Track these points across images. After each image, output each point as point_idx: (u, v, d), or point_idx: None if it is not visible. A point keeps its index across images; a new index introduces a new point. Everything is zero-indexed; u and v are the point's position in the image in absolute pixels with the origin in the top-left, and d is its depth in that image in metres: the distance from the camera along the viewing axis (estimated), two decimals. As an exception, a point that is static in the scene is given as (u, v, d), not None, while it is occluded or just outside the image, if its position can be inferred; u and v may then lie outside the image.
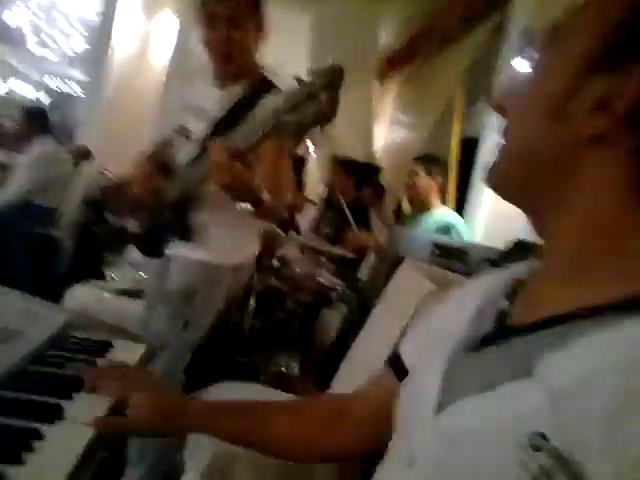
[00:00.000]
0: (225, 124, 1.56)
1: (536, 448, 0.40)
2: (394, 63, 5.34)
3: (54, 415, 0.67)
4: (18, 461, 0.57)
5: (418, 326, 0.73)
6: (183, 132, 1.67)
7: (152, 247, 1.69)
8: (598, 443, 0.37)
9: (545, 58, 0.53)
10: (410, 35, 4.85)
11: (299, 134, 1.15)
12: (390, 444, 0.61)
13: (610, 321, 0.42)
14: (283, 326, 2.38)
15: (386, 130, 5.49)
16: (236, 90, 1.61)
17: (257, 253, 1.78)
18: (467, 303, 0.61)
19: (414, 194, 2.83)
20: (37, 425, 0.64)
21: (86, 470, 0.63)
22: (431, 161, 2.81)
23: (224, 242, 1.60)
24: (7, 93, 10.77)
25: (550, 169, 0.49)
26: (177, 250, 1.62)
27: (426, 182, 2.71)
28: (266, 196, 1.36)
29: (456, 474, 0.47)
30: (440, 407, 0.52)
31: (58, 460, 0.59)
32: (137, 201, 1.63)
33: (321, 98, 1.01)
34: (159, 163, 1.64)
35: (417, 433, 0.54)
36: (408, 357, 0.69)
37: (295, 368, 2.19)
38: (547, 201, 0.51)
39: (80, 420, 0.68)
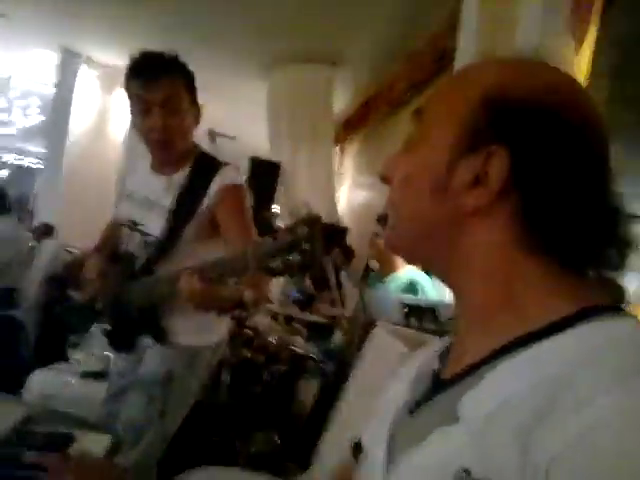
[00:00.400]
0: (177, 215, 1.52)
1: None
2: (350, 127, 5.55)
3: None
4: None
5: (374, 408, 0.74)
6: (132, 227, 1.61)
7: (123, 342, 1.63)
8: (514, 464, 0.40)
9: (421, 138, 0.57)
10: (363, 101, 5.07)
11: (281, 276, 1.18)
12: None
13: (514, 356, 0.47)
14: (259, 400, 2.32)
15: (348, 192, 5.61)
16: (180, 177, 1.56)
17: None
18: (408, 373, 0.65)
19: (376, 255, 2.86)
20: None
21: None
22: None
23: (199, 325, 1.55)
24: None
25: (437, 241, 0.55)
26: (152, 339, 1.56)
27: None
28: (248, 297, 1.35)
29: None
30: (387, 473, 0.54)
31: None
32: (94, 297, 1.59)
33: (304, 248, 1.04)
34: (110, 256, 1.61)
35: None
36: (365, 440, 0.70)
37: (274, 446, 2.12)
38: (443, 270, 0.57)
39: None
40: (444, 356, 0.61)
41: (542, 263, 0.51)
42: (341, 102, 5.27)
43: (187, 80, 1.53)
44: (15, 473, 0.79)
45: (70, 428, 1.00)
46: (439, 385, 0.56)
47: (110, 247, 1.67)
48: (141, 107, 1.49)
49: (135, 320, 1.54)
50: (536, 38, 1.83)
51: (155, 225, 1.54)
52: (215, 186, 1.49)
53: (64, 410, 1.78)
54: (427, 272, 2.71)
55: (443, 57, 3.13)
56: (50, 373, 2.32)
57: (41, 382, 2.22)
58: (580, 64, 1.86)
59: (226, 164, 1.56)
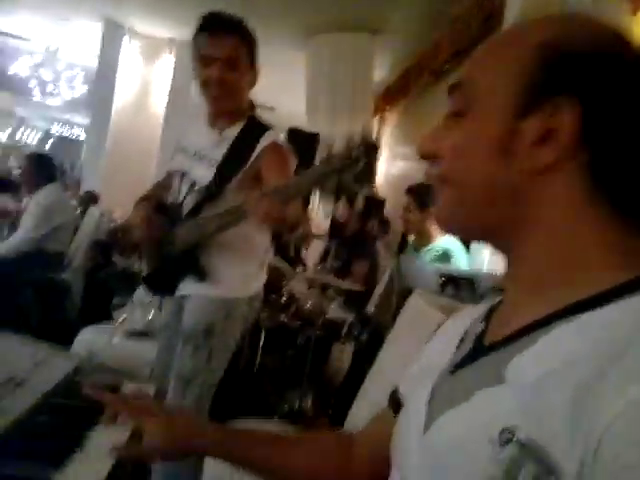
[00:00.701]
0: (226, 166, 1.61)
1: (505, 442, 0.42)
2: (389, 97, 5.46)
3: (64, 460, 0.68)
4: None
5: (416, 360, 0.75)
6: (183, 176, 1.71)
7: (163, 285, 1.72)
8: (563, 429, 0.39)
9: (468, 107, 0.55)
10: (403, 70, 4.97)
11: (337, 192, 1.24)
12: (389, 478, 0.62)
13: (570, 320, 0.46)
14: (294, 362, 2.36)
15: (386, 163, 5.56)
16: (231, 132, 1.65)
17: (264, 284, 1.80)
18: (454, 332, 0.65)
19: (410, 228, 2.83)
20: (48, 473, 0.64)
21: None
22: (424, 191, 2.72)
23: (236, 276, 1.64)
24: (15, 141, 10.93)
25: (505, 203, 0.52)
26: (191, 288, 1.64)
27: (418, 216, 2.68)
28: (304, 225, 1.44)
29: None
30: (425, 427, 0.54)
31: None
32: (141, 244, 1.69)
33: (359, 164, 1.11)
34: (156, 205, 1.69)
35: (408, 458, 0.57)
36: (404, 391, 0.71)
37: (308, 404, 2.16)
38: (507, 233, 0.54)
39: (95, 458, 0.68)
40: (487, 319, 0.60)
41: (610, 225, 0.49)
42: (381, 71, 5.18)
43: (249, 43, 1.62)
44: (65, 422, 0.81)
45: (116, 379, 1.04)
46: (482, 348, 0.56)
47: (158, 198, 1.76)
48: (203, 60, 1.58)
49: (177, 262, 1.63)
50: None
51: (204, 174, 1.63)
52: (264, 142, 1.58)
53: (110, 365, 1.88)
54: (464, 243, 2.69)
55: (489, 19, 3.02)
56: (96, 331, 2.43)
57: (88, 340, 2.33)
58: (636, 27, 1.78)
59: (272, 127, 1.66)
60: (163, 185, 1.81)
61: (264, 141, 1.58)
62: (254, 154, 1.58)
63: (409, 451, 0.57)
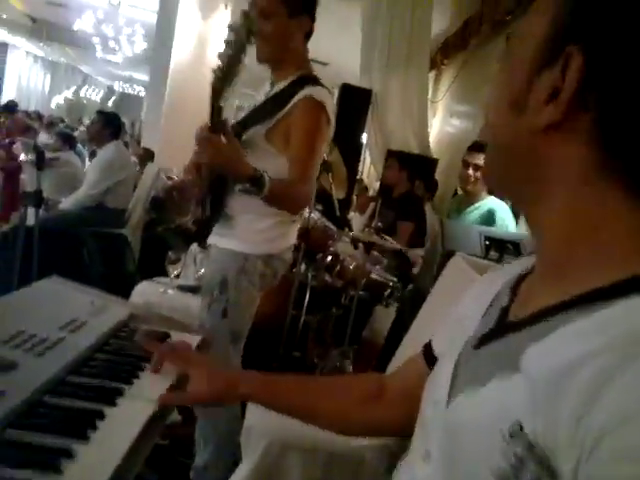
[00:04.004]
0: (258, 112, 1.63)
1: (514, 437, 0.43)
2: (448, 51, 5.24)
3: (115, 396, 0.74)
4: (84, 437, 0.63)
5: (449, 314, 0.76)
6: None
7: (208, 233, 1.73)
8: (567, 429, 0.39)
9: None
10: (462, 22, 4.74)
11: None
12: (413, 438, 0.64)
13: (590, 309, 0.44)
14: (337, 323, 2.40)
15: (441, 121, 5.39)
16: (281, 85, 1.63)
17: (293, 245, 1.78)
18: (482, 298, 0.64)
19: (465, 185, 2.77)
20: (100, 406, 0.70)
21: (147, 443, 0.68)
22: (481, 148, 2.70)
23: (251, 231, 1.63)
24: (80, 98, 11.30)
25: (519, 161, 0.51)
26: (214, 238, 1.68)
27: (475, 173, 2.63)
28: (269, 176, 1.46)
29: (458, 467, 0.50)
30: (448, 402, 0.55)
31: (120, 434, 0.65)
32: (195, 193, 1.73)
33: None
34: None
35: (433, 427, 0.58)
36: (437, 346, 0.73)
37: (349, 365, 2.21)
38: (526, 196, 0.53)
39: (143, 397, 0.75)
40: (513, 291, 0.59)
41: (628, 195, 0.45)
42: (440, 23, 4.96)
43: None
44: (123, 360, 0.88)
45: (167, 328, 1.10)
46: (505, 325, 0.55)
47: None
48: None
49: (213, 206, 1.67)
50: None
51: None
52: (299, 96, 1.54)
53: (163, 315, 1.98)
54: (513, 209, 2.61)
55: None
56: (152, 285, 2.56)
57: (144, 292, 2.46)
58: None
59: (321, 85, 1.59)
60: None
61: (299, 94, 1.53)
62: (288, 105, 1.55)
63: (434, 422, 0.58)
